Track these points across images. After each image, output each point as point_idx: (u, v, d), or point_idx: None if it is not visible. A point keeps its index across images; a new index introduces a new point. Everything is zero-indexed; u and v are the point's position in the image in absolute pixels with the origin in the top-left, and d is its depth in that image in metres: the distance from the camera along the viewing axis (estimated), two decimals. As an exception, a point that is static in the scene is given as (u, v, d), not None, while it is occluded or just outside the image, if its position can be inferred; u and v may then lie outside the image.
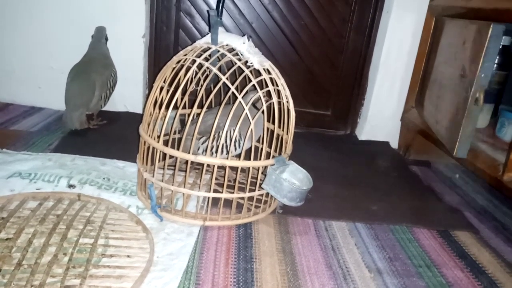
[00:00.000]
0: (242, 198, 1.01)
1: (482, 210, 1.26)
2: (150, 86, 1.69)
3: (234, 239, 0.94)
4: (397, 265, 0.92)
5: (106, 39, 1.52)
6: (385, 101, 1.70)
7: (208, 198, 0.98)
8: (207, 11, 1.57)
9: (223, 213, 0.99)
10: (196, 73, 1.09)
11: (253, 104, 1.03)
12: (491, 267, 0.96)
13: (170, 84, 0.97)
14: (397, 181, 1.39)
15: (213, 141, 1.03)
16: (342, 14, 1.68)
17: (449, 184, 1.42)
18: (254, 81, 0.91)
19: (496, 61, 1.39)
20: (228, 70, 0.94)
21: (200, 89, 1.01)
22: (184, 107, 1.14)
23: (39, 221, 0.87)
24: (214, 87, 1.04)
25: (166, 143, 0.97)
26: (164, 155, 0.94)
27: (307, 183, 0.99)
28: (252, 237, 0.95)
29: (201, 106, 1.03)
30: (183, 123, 1.17)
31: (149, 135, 0.97)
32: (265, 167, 0.97)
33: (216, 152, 0.96)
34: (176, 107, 0.98)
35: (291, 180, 0.98)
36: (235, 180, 0.99)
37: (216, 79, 1.01)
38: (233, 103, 0.94)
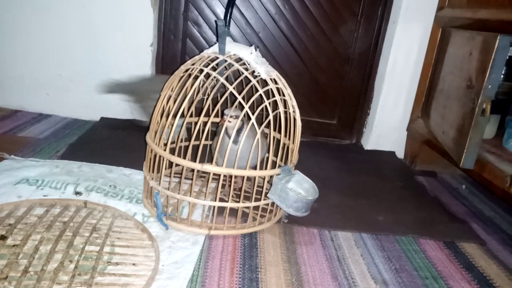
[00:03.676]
0: (248, 207, 1.01)
1: (489, 222, 1.25)
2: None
3: (239, 248, 0.94)
4: (403, 277, 0.92)
5: None
6: (391, 111, 1.70)
7: (214, 207, 0.98)
8: (215, 21, 1.58)
9: (228, 222, 0.99)
10: (204, 83, 1.09)
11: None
12: (498, 279, 0.95)
13: (178, 93, 0.98)
14: (403, 191, 1.38)
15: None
16: (348, 24, 1.69)
17: (455, 195, 1.42)
18: (261, 91, 0.92)
19: (503, 72, 1.39)
20: (235, 79, 0.95)
21: (207, 98, 1.01)
22: (191, 116, 1.15)
23: (45, 228, 0.88)
24: (221, 96, 1.05)
25: (172, 151, 0.98)
26: (171, 163, 0.95)
27: (313, 193, 0.99)
28: (257, 247, 0.95)
29: (207, 115, 1.03)
30: (189, 131, 1.18)
31: (156, 143, 0.97)
32: (271, 177, 0.97)
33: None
34: (183, 116, 0.99)
35: (297, 189, 0.98)
36: (240, 189, 0.99)
37: (223, 89, 1.02)
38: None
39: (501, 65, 1.08)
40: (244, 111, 0.94)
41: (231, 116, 1.00)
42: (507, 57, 1.24)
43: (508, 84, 1.45)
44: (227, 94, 0.95)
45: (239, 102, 0.92)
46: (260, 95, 0.92)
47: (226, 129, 1.02)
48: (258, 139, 0.92)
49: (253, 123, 0.91)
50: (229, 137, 0.95)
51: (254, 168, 0.96)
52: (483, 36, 1.13)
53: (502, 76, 1.40)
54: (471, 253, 1.05)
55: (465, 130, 1.15)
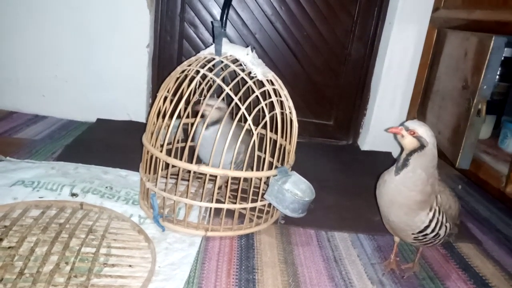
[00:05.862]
0: (244, 209, 1.01)
1: (485, 222, 1.25)
2: (153, 96, 1.70)
3: (236, 249, 0.94)
4: (399, 277, 0.92)
5: None
6: (387, 112, 1.70)
7: (210, 208, 0.98)
8: (211, 22, 1.58)
9: (225, 223, 0.99)
10: (200, 84, 1.09)
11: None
12: (494, 279, 0.96)
13: (174, 94, 0.98)
14: (400, 191, 1.38)
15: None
16: (344, 25, 1.69)
17: (451, 195, 1.42)
18: (257, 92, 0.92)
19: (498, 73, 1.40)
20: (232, 81, 0.95)
21: (204, 99, 1.01)
22: (187, 117, 1.15)
23: (41, 230, 0.87)
24: (218, 97, 1.05)
25: (169, 152, 0.98)
26: (167, 164, 0.95)
27: (309, 194, 0.99)
28: (254, 248, 0.95)
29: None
30: (186, 132, 1.18)
31: (152, 145, 0.97)
32: (268, 178, 0.97)
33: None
34: (179, 117, 0.99)
35: (293, 191, 0.98)
36: (237, 190, 0.99)
37: (220, 90, 1.02)
38: (237, 113, 0.94)
39: (496, 66, 1.09)
40: (229, 108, 0.94)
41: (207, 105, 0.99)
42: (502, 58, 1.25)
43: (503, 84, 1.46)
44: (223, 95, 0.95)
45: (225, 96, 0.91)
46: (257, 96, 0.92)
47: (202, 117, 1.01)
48: (231, 132, 0.91)
49: (232, 118, 0.90)
50: (203, 125, 0.95)
51: (241, 168, 0.96)
52: (478, 37, 1.14)
53: (497, 76, 1.42)
54: (467, 253, 1.05)
55: (460, 130, 1.15)
